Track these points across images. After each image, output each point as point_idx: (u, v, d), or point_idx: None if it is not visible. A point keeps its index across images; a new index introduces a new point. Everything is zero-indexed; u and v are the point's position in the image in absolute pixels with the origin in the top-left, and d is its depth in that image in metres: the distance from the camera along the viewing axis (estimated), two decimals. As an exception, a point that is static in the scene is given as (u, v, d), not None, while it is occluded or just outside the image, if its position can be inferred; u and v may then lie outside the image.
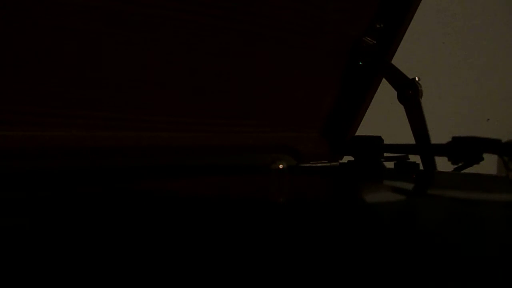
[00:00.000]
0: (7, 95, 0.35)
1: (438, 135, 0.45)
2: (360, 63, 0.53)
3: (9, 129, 0.35)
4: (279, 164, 0.27)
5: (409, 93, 0.48)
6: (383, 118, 0.63)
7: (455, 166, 0.40)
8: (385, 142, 0.48)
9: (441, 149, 0.42)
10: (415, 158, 0.48)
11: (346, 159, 0.52)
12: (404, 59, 0.54)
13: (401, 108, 0.48)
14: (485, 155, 0.40)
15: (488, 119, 0.88)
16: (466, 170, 0.41)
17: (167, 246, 0.18)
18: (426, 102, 0.48)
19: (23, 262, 0.16)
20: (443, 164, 0.44)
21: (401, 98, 0.49)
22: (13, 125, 0.36)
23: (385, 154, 0.48)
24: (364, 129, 0.55)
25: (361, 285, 0.14)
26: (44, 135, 0.37)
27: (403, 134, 0.49)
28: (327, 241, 0.19)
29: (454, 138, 0.40)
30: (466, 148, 0.38)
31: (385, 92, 0.52)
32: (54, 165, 0.38)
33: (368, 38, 0.52)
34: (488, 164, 0.41)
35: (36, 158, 0.36)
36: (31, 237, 0.19)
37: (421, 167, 0.47)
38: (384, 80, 0.51)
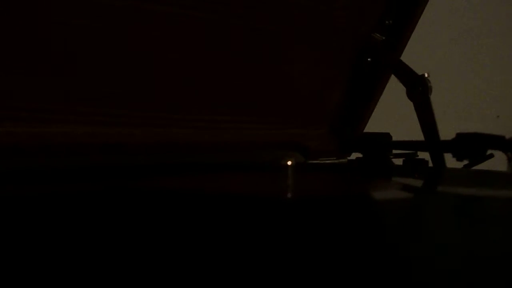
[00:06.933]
0: (11, 92, 0.35)
1: (448, 132, 0.45)
2: (368, 59, 0.53)
3: (15, 126, 0.36)
4: (287, 161, 0.27)
5: (419, 90, 0.48)
6: (392, 115, 0.62)
7: (465, 163, 0.40)
8: (394, 139, 0.48)
9: (446, 146, 0.42)
10: (424, 155, 0.47)
11: (354, 156, 0.52)
12: (413, 55, 0.54)
13: (410, 105, 0.48)
14: (496, 152, 0.39)
15: (498, 116, 0.87)
16: (477, 167, 0.41)
17: (173, 244, 0.18)
18: (436, 99, 0.48)
19: (29, 259, 0.16)
20: (453, 160, 0.44)
21: (410, 95, 0.48)
22: (18, 121, 0.36)
23: (393, 151, 0.47)
24: (373, 126, 0.55)
25: (369, 283, 0.14)
26: (49, 131, 0.37)
27: (412, 131, 0.48)
28: (335, 239, 0.19)
29: (458, 135, 0.40)
30: (470, 145, 0.38)
31: (394, 89, 0.51)
32: (59, 162, 0.38)
33: (377, 35, 0.51)
34: (500, 161, 0.41)
35: (41, 155, 0.36)
36: (34, 235, 0.19)
37: (430, 164, 0.46)
38: (393, 76, 0.51)
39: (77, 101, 0.38)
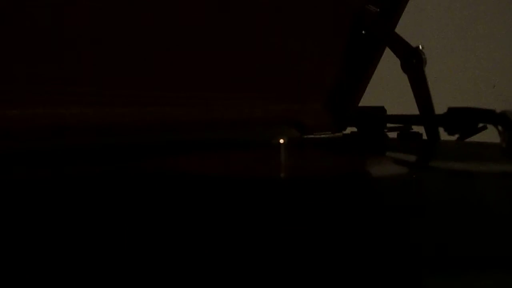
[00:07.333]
0: (2, 74, 0.35)
1: (444, 102, 0.45)
2: (363, 32, 0.52)
3: (8, 108, 0.35)
4: (279, 139, 0.27)
5: (413, 62, 0.47)
6: (386, 89, 0.62)
7: (457, 136, 0.41)
8: (389, 112, 0.48)
9: (438, 120, 0.42)
10: (418, 128, 0.47)
11: (349, 130, 0.52)
12: (408, 27, 0.53)
13: (405, 78, 0.48)
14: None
15: (495, 86, 0.87)
16: (471, 139, 0.41)
17: (165, 225, 0.18)
18: (431, 70, 0.48)
19: (24, 243, 0.16)
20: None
21: (404, 67, 0.48)
22: (11, 103, 0.35)
23: (388, 125, 0.47)
24: (368, 100, 0.55)
25: (362, 260, 0.14)
26: (41, 113, 0.37)
27: (406, 104, 0.48)
28: (331, 217, 0.19)
29: (449, 109, 0.40)
30: (461, 119, 0.38)
31: (389, 62, 0.51)
32: (53, 144, 0.38)
33: (371, 6, 0.51)
34: (494, 132, 0.41)
35: (34, 138, 0.36)
36: (30, 218, 0.19)
37: (424, 137, 0.47)
38: (387, 49, 0.51)
39: (69, 81, 0.38)
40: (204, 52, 0.43)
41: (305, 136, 0.53)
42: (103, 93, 0.40)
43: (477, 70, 0.84)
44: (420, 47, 0.47)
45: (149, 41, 0.40)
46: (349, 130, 0.52)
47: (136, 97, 0.42)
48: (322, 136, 0.53)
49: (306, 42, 0.50)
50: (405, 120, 0.46)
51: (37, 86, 0.36)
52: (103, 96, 0.40)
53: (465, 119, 0.38)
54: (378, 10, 0.51)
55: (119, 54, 0.39)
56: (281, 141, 0.27)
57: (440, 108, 0.46)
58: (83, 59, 0.38)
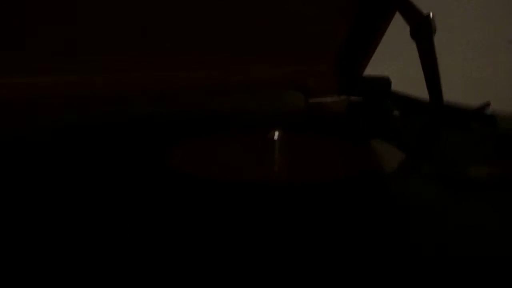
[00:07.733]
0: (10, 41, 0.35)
1: (459, 58, 0.44)
2: (374, -6, 0.50)
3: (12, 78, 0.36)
4: (273, 134, 0.27)
5: (422, 29, 0.46)
6: (394, 58, 0.61)
7: None
8: (393, 83, 0.47)
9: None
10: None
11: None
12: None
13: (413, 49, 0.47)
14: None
15: (511, 41, 0.84)
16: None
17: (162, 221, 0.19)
18: (445, 32, 0.46)
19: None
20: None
21: (414, 34, 0.47)
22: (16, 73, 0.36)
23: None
24: (374, 68, 0.54)
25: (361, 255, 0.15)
26: (48, 82, 0.37)
27: (414, 74, 0.47)
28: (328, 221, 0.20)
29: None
30: (455, 119, 0.38)
31: (399, 31, 0.49)
32: (61, 112, 0.38)
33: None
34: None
35: (44, 106, 0.37)
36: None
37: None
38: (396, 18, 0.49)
39: (71, 49, 0.38)
40: (207, 14, 0.43)
41: (311, 100, 0.52)
42: (106, 60, 0.40)
43: (492, 25, 0.81)
44: (431, 15, 0.46)
45: (151, 3, 0.39)
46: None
47: (141, 63, 0.42)
48: (328, 100, 0.53)
49: (314, 2, 0.49)
50: (412, 104, 0.46)
51: (37, 54, 0.36)
52: (106, 62, 0.40)
53: (459, 119, 0.38)
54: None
55: (121, 19, 0.39)
56: (275, 137, 0.27)
57: (456, 67, 0.45)
58: (85, 26, 0.37)
